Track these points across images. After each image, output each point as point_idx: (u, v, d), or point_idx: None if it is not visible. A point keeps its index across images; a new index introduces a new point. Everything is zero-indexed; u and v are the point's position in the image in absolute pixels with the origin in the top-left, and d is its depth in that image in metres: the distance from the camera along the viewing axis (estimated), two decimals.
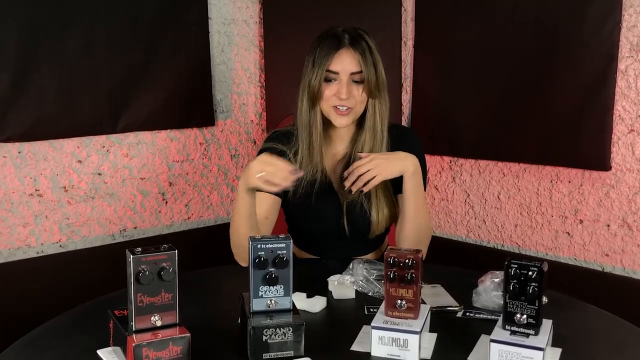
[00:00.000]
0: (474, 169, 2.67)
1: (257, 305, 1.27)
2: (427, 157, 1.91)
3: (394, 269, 1.29)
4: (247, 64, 2.92)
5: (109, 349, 1.27)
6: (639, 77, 2.22)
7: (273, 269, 1.26)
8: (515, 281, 1.21)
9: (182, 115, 2.72)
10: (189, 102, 2.73)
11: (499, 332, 1.23)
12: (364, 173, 1.68)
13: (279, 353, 1.24)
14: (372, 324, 1.28)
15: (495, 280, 1.49)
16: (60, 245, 2.51)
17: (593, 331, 1.44)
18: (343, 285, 1.57)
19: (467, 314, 1.47)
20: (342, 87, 1.72)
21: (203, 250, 2.59)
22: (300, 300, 1.48)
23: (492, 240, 2.67)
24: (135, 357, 1.16)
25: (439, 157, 2.75)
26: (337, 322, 1.48)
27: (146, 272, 1.17)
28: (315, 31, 1.82)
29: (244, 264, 1.72)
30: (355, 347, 1.31)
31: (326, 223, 1.83)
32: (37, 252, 2.46)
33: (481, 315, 1.46)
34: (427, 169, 2.35)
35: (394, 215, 1.83)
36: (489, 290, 1.49)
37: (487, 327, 1.31)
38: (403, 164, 1.72)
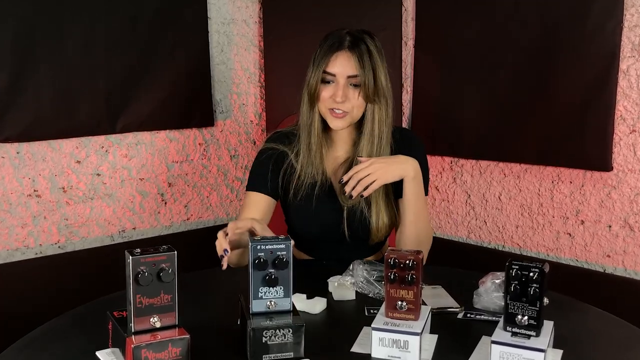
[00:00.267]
0: (474, 169, 2.66)
1: (256, 306, 1.27)
2: (428, 158, 1.89)
3: (395, 270, 1.28)
4: (246, 64, 2.92)
5: (108, 350, 1.27)
6: None
7: (273, 270, 1.26)
8: (516, 282, 1.21)
9: (181, 115, 2.72)
10: (188, 103, 2.73)
11: (499, 334, 1.22)
12: (364, 177, 1.67)
13: (279, 354, 1.24)
14: (373, 325, 1.28)
15: (496, 281, 1.49)
16: (59, 246, 2.50)
17: (594, 332, 1.43)
18: (343, 287, 1.57)
19: (468, 315, 1.47)
20: (338, 89, 1.71)
21: (202, 251, 2.56)
22: (300, 302, 1.48)
23: (493, 241, 2.66)
24: (134, 358, 1.16)
25: (440, 158, 2.75)
26: (337, 323, 1.48)
27: (145, 273, 1.17)
28: (315, 31, 1.81)
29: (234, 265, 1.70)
30: (355, 348, 1.31)
31: (326, 227, 1.82)
32: (36, 253, 2.45)
33: (482, 317, 1.45)
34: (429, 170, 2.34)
35: (395, 223, 1.82)
36: (490, 292, 1.48)
37: (488, 328, 1.30)
38: (403, 167, 1.71)
